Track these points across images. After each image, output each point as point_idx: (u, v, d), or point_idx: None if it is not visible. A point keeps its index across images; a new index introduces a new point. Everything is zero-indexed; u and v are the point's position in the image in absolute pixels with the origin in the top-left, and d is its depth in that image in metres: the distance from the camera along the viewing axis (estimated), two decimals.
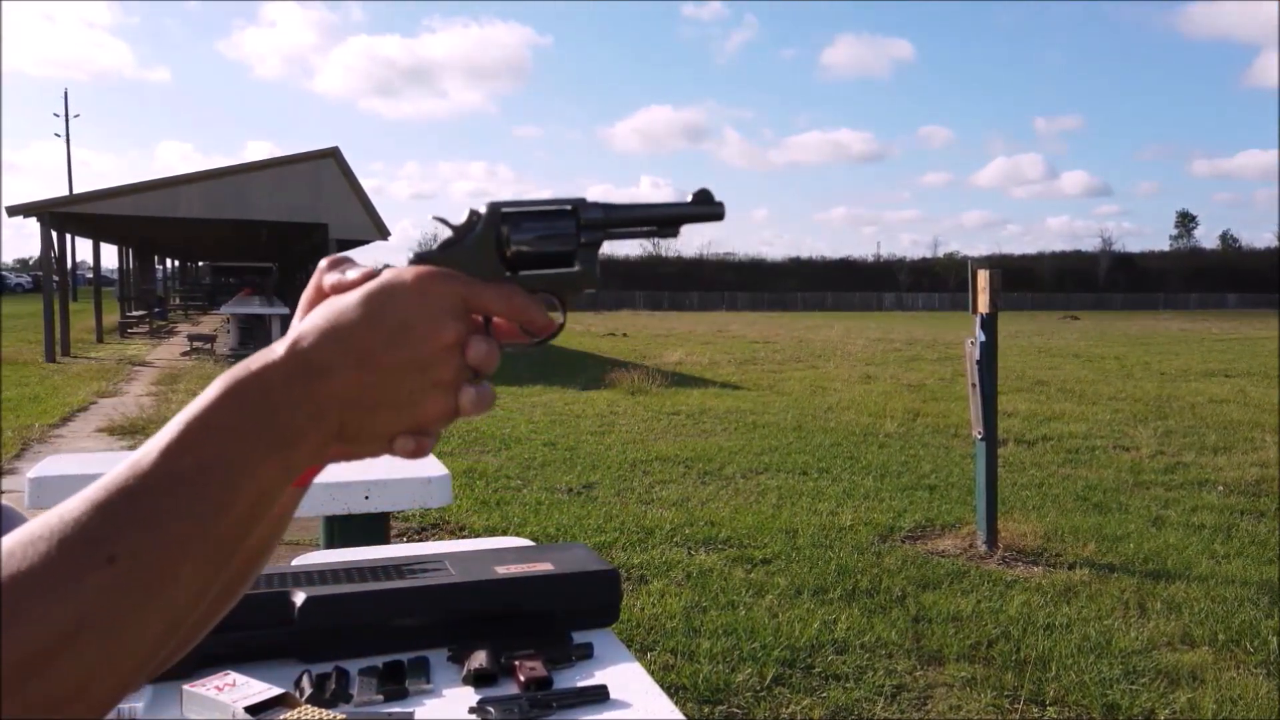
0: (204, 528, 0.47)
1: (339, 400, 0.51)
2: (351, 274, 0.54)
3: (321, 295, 0.54)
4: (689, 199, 0.62)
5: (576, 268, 0.59)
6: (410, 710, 1.27)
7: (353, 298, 0.52)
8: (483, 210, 0.57)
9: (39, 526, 0.45)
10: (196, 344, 17.52)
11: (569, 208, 0.59)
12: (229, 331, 20.13)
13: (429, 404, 0.53)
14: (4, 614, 0.42)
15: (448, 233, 0.57)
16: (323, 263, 0.55)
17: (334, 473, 2.43)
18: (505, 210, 0.57)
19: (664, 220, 0.62)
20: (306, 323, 0.52)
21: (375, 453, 0.54)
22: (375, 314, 0.51)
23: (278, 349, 0.51)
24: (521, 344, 0.58)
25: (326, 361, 0.50)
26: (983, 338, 5.12)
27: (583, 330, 27.42)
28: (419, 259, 0.55)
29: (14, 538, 0.45)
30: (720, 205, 0.63)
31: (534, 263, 0.58)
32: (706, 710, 3.33)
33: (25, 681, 0.42)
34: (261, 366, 0.50)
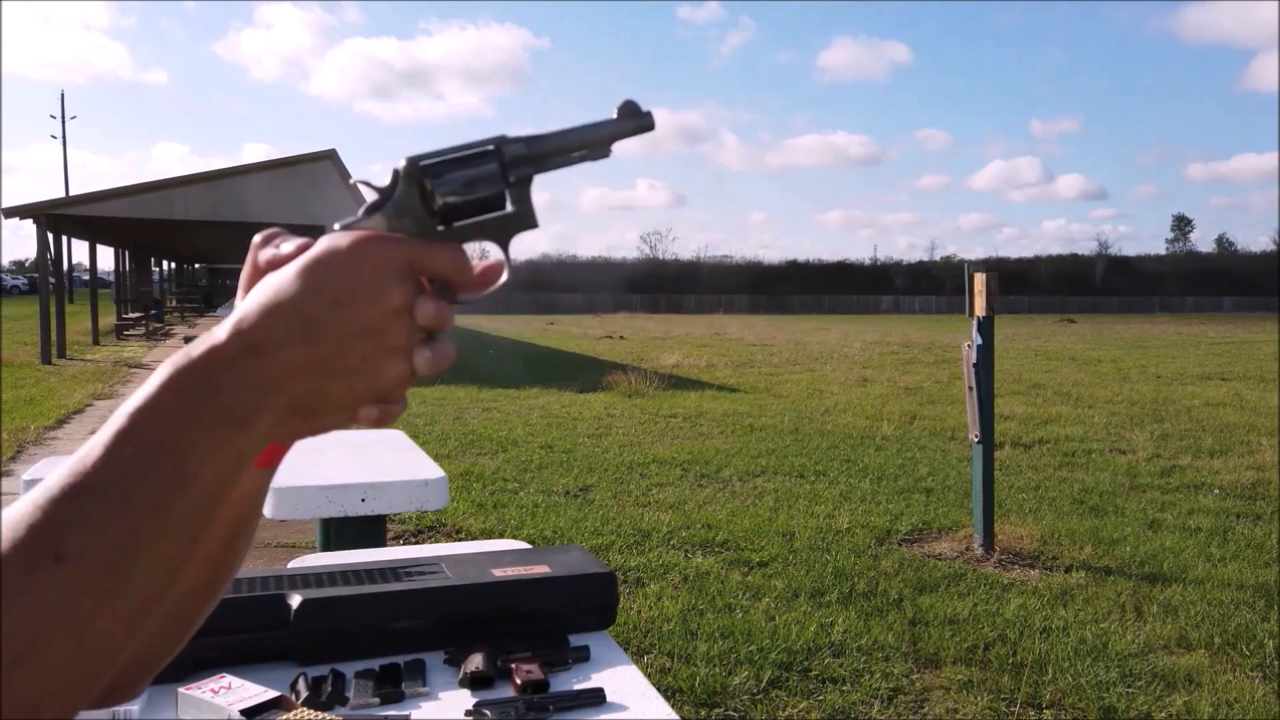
0: (155, 515, 0.46)
1: (287, 375, 0.49)
2: (286, 247, 0.52)
3: (259, 272, 0.52)
4: (614, 114, 0.59)
5: (510, 209, 0.57)
6: (406, 713, 1.27)
7: (290, 270, 0.50)
8: (401, 168, 0.55)
9: None
10: None
11: (490, 147, 0.56)
12: None
13: (384, 370, 0.51)
14: None
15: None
16: (256, 239, 0.54)
17: (331, 475, 2.43)
18: (424, 163, 0.55)
19: (593, 143, 0.58)
20: (247, 302, 0.50)
21: (339, 424, 0.53)
22: (314, 284, 0.49)
23: (219, 332, 0.49)
24: (472, 297, 0.56)
25: (269, 338, 0.49)
26: (979, 341, 5.12)
27: (580, 333, 27.42)
28: (345, 228, 0.53)
29: None
30: (649, 115, 0.59)
31: (465, 211, 0.56)
32: (703, 713, 3.33)
33: None
34: (203, 351, 0.49)
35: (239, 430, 0.48)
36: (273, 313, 0.49)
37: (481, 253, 0.62)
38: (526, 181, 0.57)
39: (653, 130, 0.59)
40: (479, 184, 0.56)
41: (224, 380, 0.48)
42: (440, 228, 0.55)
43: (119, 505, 0.45)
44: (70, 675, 0.44)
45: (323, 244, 0.51)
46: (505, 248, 0.57)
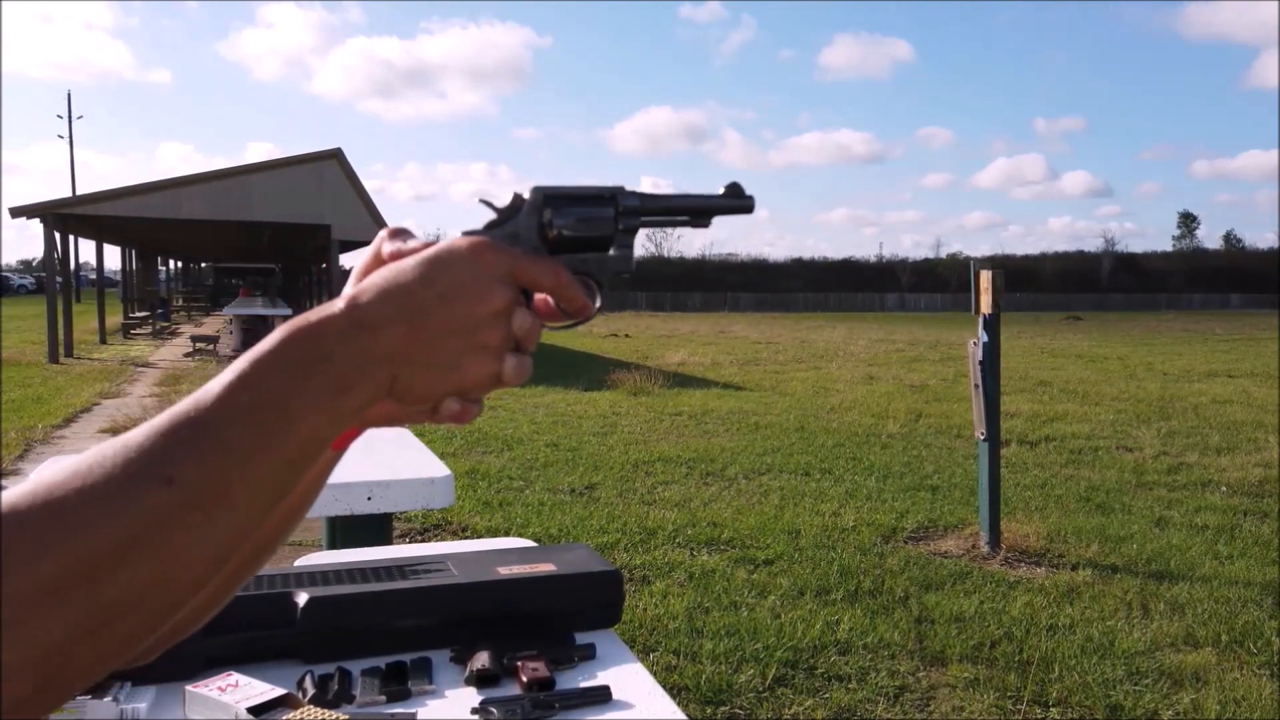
0: (258, 461, 0.49)
1: (390, 355, 0.53)
2: (413, 243, 0.57)
3: (379, 261, 0.57)
4: (721, 191, 0.66)
5: (613, 253, 0.62)
6: (413, 711, 1.27)
7: (410, 261, 0.55)
8: (526, 194, 0.61)
9: (105, 447, 0.47)
10: (199, 345, 17.54)
11: (609, 194, 0.62)
12: (232, 333, 20.15)
13: (474, 366, 0.55)
14: (70, 520, 0.44)
15: (457, 228, 0.61)
16: (383, 232, 0.58)
17: (337, 474, 2.43)
18: (550, 193, 0.61)
19: (696, 210, 0.66)
20: (366, 282, 0.55)
21: (421, 414, 0.57)
22: (429, 275, 0.54)
23: (337, 304, 0.54)
24: (558, 323, 0.61)
25: (380, 317, 0.53)
26: (985, 338, 5.11)
27: (585, 331, 27.43)
28: (468, 234, 0.58)
29: (82, 457, 0.47)
30: (750, 198, 0.66)
31: (573, 246, 0.61)
32: (709, 711, 3.33)
33: (87, 585, 0.43)
34: (320, 319, 0.53)
35: (338, 396, 0.52)
36: (386, 295, 0.54)
37: None
38: (633, 231, 0.63)
39: (751, 213, 0.67)
40: (593, 224, 0.61)
41: (334, 348, 0.52)
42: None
43: (230, 445, 0.48)
44: (153, 593, 0.46)
45: (443, 243, 0.56)
46: (600, 287, 0.62)
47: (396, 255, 0.56)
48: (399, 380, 0.54)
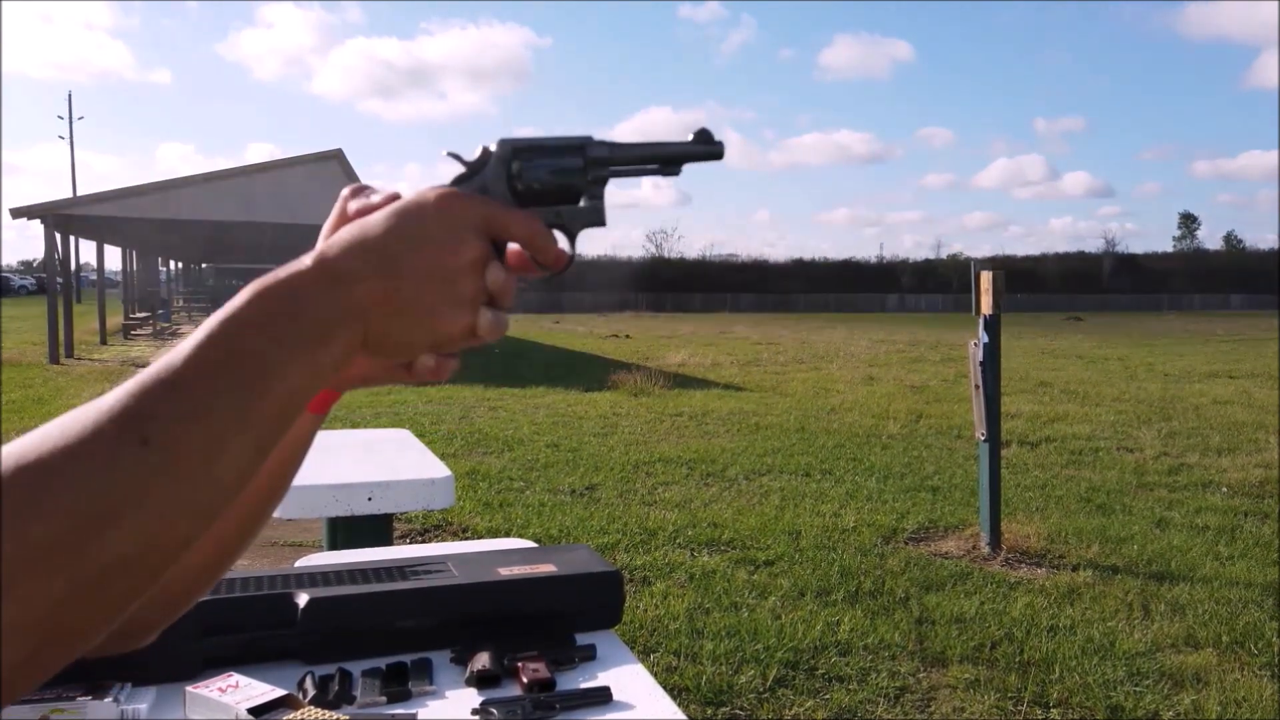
0: (237, 414, 0.48)
1: (364, 305, 0.52)
2: (375, 198, 0.56)
3: (344, 220, 0.56)
4: (690, 138, 0.65)
5: (584, 203, 0.61)
6: (413, 712, 1.27)
7: (378, 214, 0.54)
8: (494, 147, 0.60)
9: (79, 411, 0.47)
10: None
11: (577, 144, 0.61)
12: None
13: (449, 316, 0.55)
14: (50, 482, 0.43)
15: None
16: (345, 191, 0.58)
17: (337, 474, 2.44)
18: (517, 145, 0.60)
19: (667, 158, 0.65)
20: (334, 238, 0.54)
21: (397, 371, 0.57)
22: (399, 226, 0.53)
23: (305, 260, 0.53)
24: (532, 276, 0.60)
25: (352, 268, 0.52)
26: (986, 339, 5.11)
27: (585, 332, 27.43)
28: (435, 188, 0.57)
29: (58, 419, 0.47)
30: (720, 144, 0.65)
31: (542, 198, 0.60)
32: (710, 712, 3.33)
33: (75, 546, 0.43)
34: (290, 274, 0.52)
35: (316, 349, 0.51)
36: (356, 247, 0.53)
37: None
38: (602, 182, 0.62)
39: (721, 159, 0.65)
40: (561, 175, 0.60)
41: (306, 301, 0.51)
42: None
43: (204, 401, 0.47)
44: (143, 550, 0.46)
45: (412, 196, 0.55)
46: (573, 239, 0.61)
47: (362, 212, 0.56)
48: (374, 330, 0.53)
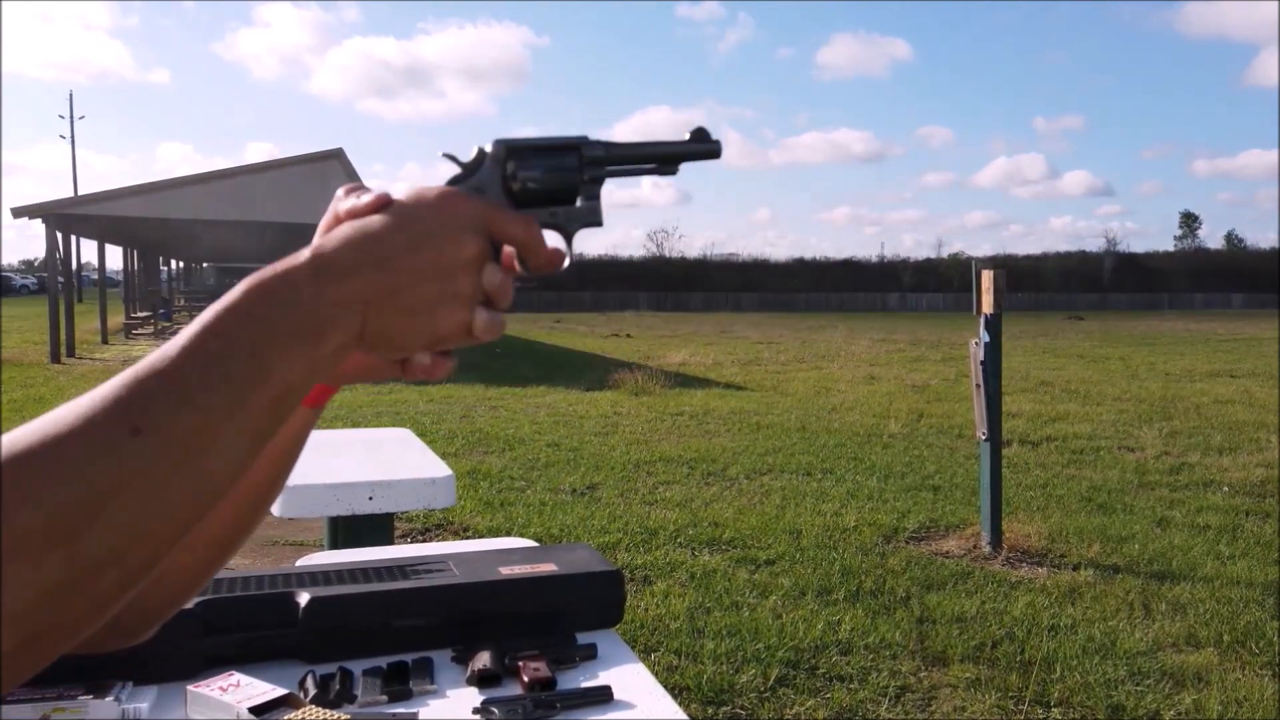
0: (232, 405, 0.48)
1: (359, 299, 0.52)
2: (366, 198, 0.56)
3: (337, 221, 0.56)
4: (686, 137, 0.65)
5: (580, 204, 0.61)
6: (414, 711, 1.27)
7: (377, 211, 0.54)
8: (489, 148, 0.59)
9: (73, 402, 0.47)
10: None
11: (573, 144, 0.61)
12: None
13: (446, 314, 0.55)
14: (41, 472, 0.43)
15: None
16: (340, 191, 0.57)
17: (338, 474, 2.44)
18: (512, 146, 0.59)
19: (663, 158, 0.64)
20: (330, 234, 0.54)
21: (392, 367, 0.57)
22: (396, 223, 0.53)
23: (301, 254, 0.52)
24: (529, 278, 0.60)
25: (349, 262, 0.52)
26: (987, 338, 5.11)
27: (586, 331, 27.43)
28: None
29: (50, 411, 0.46)
30: (717, 143, 0.65)
31: (538, 199, 0.60)
32: (710, 711, 3.33)
33: (65, 537, 0.43)
34: (286, 268, 0.52)
35: (312, 342, 0.51)
36: (353, 243, 0.53)
37: None
38: (599, 182, 0.62)
39: (718, 157, 0.65)
40: (557, 175, 0.60)
41: (302, 295, 0.51)
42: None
43: (198, 391, 0.47)
44: (135, 540, 0.46)
45: (411, 190, 0.55)
46: (569, 239, 0.61)
47: (353, 213, 0.55)
48: (370, 325, 0.53)
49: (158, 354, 0.48)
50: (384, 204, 0.55)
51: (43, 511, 0.43)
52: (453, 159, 0.59)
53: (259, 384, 0.49)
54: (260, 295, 0.50)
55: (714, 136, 0.65)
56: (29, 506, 0.42)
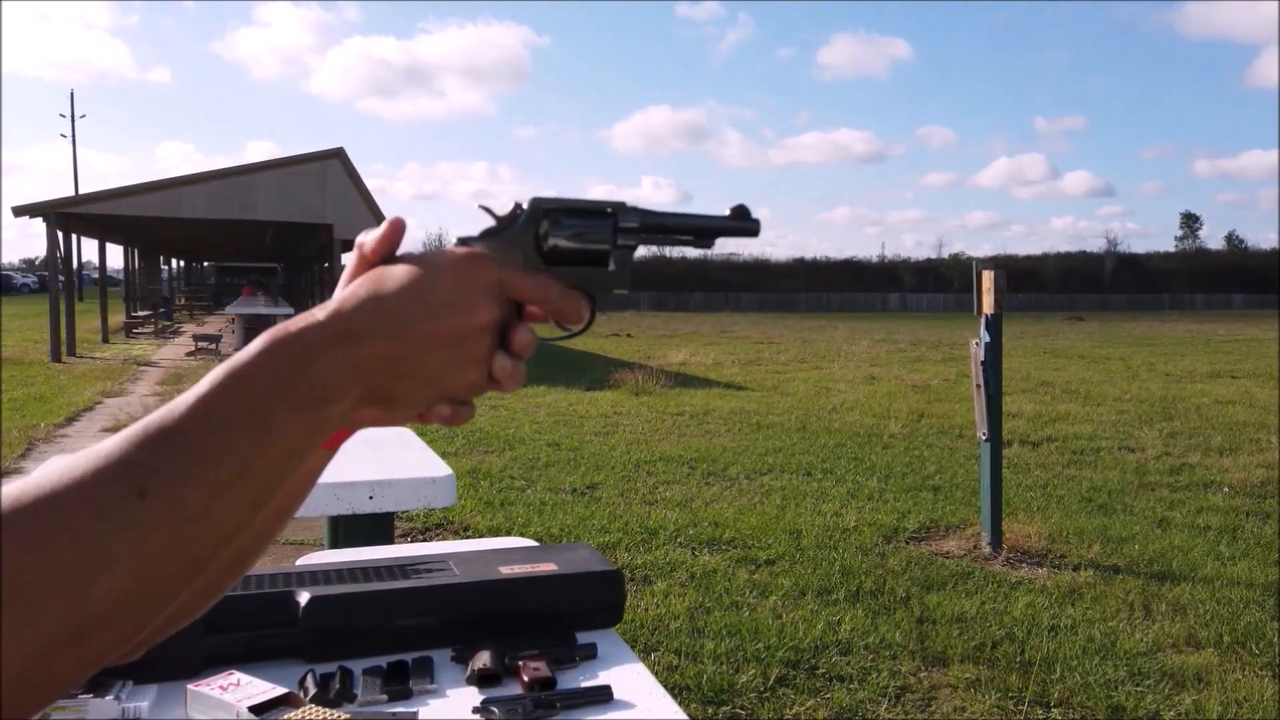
0: (235, 473, 0.48)
1: (371, 365, 0.53)
2: (380, 230, 0.56)
3: (365, 264, 0.56)
4: (727, 213, 0.65)
5: (610, 268, 0.62)
6: (414, 710, 1.27)
7: (397, 271, 0.55)
8: (526, 204, 0.60)
9: (79, 457, 0.47)
10: (202, 344, 17.55)
11: (608, 210, 0.62)
12: (234, 332, 20.15)
13: (455, 378, 0.55)
14: (44, 531, 0.43)
15: (464, 228, 0.60)
16: (360, 236, 0.58)
17: (338, 473, 2.44)
18: (547, 206, 0.60)
19: (699, 231, 0.65)
20: (349, 291, 0.54)
21: (409, 419, 0.58)
22: (415, 289, 0.54)
23: (319, 313, 0.53)
24: (552, 334, 0.61)
25: (364, 328, 0.53)
26: (987, 338, 5.11)
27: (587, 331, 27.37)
28: (462, 242, 0.58)
29: (56, 464, 0.47)
30: (756, 222, 0.65)
31: (569, 259, 0.60)
32: (710, 711, 3.33)
33: (63, 596, 0.43)
34: (302, 328, 0.52)
35: (321, 406, 0.52)
36: (371, 305, 0.53)
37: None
38: (631, 249, 0.62)
39: (756, 236, 0.65)
40: (589, 238, 0.61)
41: (316, 359, 0.52)
42: (543, 267, 0.60)
43: (206, 459, 0.48)
44: (132, 601, 0.46)
45: (432, 255, 0.56)
46: (594, 301, 0.61)
47: (363, 255, 0.56)
48: (379, 390, 0.54)
49: (167, 410, 0.49)
50: (398, 231, 0.56)
51: (44, 570, 0.42)
52: (488, 211, 0.60)
53: (267, 448, 0.50)
54: (275, 357, 0.51)
55: (754, 215, 0.65)
56: (30, 564, 0.42)
